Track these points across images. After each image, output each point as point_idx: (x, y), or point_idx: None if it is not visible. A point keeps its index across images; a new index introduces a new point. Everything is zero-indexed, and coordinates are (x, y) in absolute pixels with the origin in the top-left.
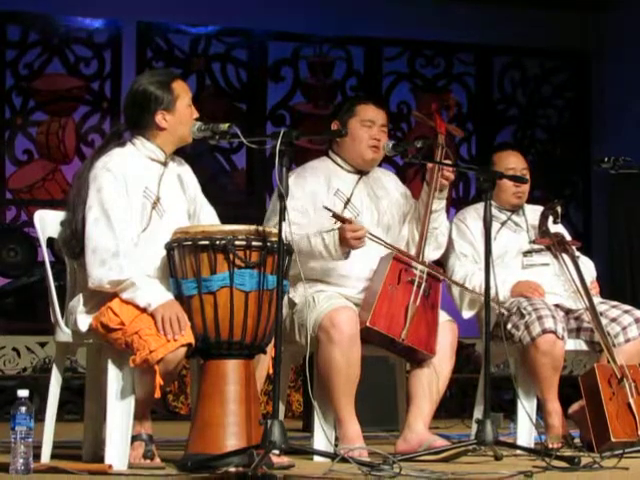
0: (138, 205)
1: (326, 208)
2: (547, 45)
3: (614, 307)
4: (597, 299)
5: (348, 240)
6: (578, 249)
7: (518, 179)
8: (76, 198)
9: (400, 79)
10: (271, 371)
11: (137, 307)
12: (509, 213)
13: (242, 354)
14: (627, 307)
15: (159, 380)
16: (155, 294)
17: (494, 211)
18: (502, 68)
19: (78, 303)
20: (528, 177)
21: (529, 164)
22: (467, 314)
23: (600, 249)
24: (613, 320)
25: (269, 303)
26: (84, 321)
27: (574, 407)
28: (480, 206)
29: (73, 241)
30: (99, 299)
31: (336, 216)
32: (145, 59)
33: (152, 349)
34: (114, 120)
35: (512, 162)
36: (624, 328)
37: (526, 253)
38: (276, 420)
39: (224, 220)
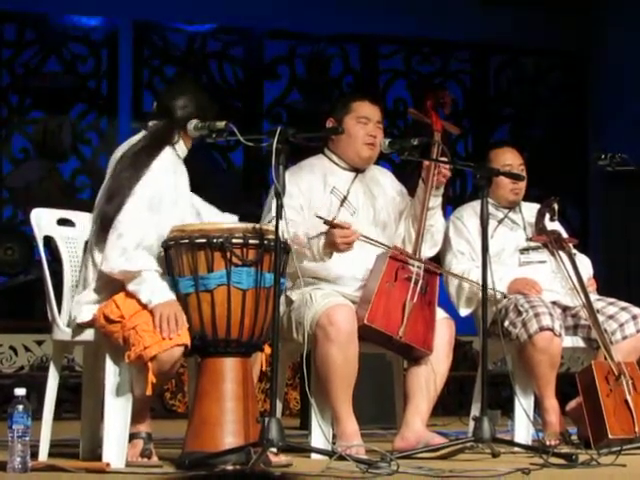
0: (181, 204)
1: (318, 217)
2: (544, 44)
3: (611, 304)
4: (594, 296)
5: (338, 245)
6: (575, 246)
7: (515, 176)
8: (132, 180)
9: (397, 77)
10: (265, 368)
11: (139, 302)
12: (506, 210)
13: (239, 352)
14: (624, 304)
15: (151, 377)
16: (158, 291)
17: (491, 209)
18: (498, 66)
19: (88, 294)
20: (525, 174)
21: (525, 161)
22: (464, 312)
23: (597, 246)
24: (610, 317)
25: (266, 301)
26: (89, 311)
27: (571, 404)
28: (477, 204)
29: (111, 212)
30: (108, 293)
31: (328, 222)
32: (142, 57)
33: (146, 345)
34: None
35: (509, 159)
36: (621, 325)
37: (523, 250)
38: (273, 418)
39: None
